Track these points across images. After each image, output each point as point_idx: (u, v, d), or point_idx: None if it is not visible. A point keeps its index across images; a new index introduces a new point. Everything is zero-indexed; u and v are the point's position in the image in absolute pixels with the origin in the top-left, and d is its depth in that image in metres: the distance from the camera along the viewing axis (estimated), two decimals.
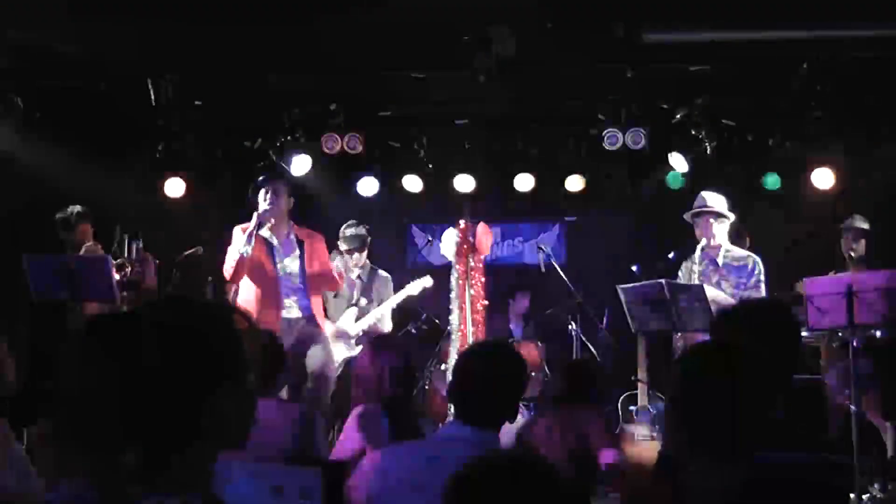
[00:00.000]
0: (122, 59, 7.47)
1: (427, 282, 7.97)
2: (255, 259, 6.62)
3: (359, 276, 7.99)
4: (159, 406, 1.64)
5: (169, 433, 1.65)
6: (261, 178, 6.92)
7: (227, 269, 6.67)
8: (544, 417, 5.81)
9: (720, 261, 6.70)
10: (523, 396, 7.79)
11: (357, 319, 7.79)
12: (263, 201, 6.65)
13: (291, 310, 6.78)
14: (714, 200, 6.81)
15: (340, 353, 7.52)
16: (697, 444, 2.35)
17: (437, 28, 7.04)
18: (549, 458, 2.06)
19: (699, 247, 6.69)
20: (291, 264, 6.82)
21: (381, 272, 8.11)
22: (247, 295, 6.70)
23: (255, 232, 6.56)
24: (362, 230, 7.98)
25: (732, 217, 6.82)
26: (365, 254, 8.02)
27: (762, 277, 6.63)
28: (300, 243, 6.86)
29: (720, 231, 6.75)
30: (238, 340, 1.75)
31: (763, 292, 6.61)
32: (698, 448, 2.34)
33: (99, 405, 1.69)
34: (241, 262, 6.56)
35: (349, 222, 7.97)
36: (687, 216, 6.90)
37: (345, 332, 7.69)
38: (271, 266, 6.72)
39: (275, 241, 6.78)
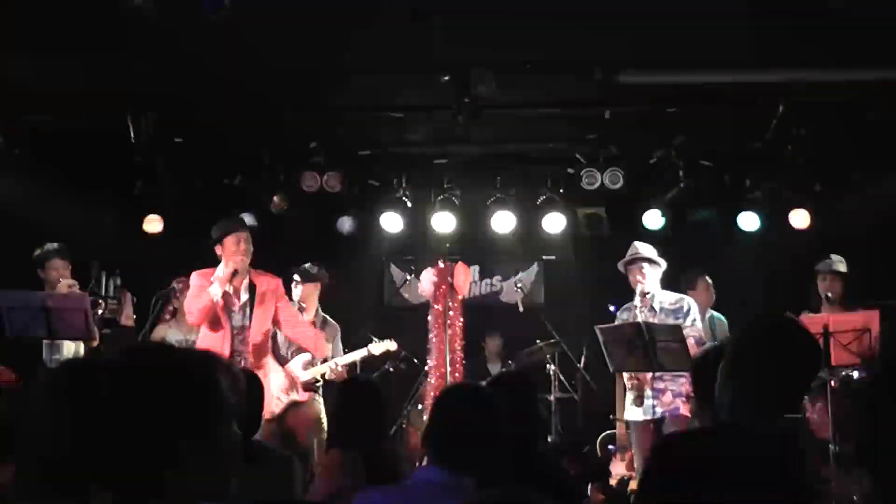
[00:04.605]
0: (101, 95, 7.44)
1: (391, 345, 7.63)
2: (214, 310, 6.44)
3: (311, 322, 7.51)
4: (118, 454, 1.61)
5: (133, 481, 1.62)
6: (229, 222, 6.73)
7: (193, 314, 6.50)
8: None
9: (657, 306, 6.81)
10: None
11: (305, 367, 7.31)
12: (236, 250, 6.46)
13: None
14: (645, 248, 6.94)
15: (285, 395, 7.19)
16: None
17: (418, 68, 7.09)
18: None
19: (637, 293, 6.81)
20: (239, 317, 6.58)
21: (331, 321, 7.67)
22: (203, 344, 6.44)
23: (226, 279, 6.39)
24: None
25: (664, 264, 6.92)
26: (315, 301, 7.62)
27: (697, 316, 6.82)
28: (251, 290, 6.58)
29: (653, 278, 6.87)
30: (211, 392, 1.71)
31: (700, 329, 6.81)
32: None
33: (54, 451, 1.66)
34: (210, 308, 6.40)
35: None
36: (620, 266, 7.00)
37: (293, 376, 7.25)
38: (225, 318, 6.51)
39: (232, 293, 6.57)
